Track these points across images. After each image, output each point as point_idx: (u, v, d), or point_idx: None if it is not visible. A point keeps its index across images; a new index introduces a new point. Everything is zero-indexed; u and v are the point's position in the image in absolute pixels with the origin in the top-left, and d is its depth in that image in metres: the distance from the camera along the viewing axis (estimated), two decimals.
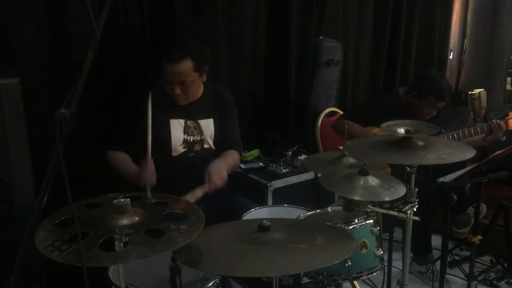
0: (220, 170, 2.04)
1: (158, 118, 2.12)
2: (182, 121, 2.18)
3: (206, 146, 2.23)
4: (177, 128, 2.16)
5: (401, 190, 1.60)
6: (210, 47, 2.13)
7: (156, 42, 2.16)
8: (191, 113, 2.20)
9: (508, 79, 4.76)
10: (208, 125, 2.23)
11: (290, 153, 2.87)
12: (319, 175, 2.29)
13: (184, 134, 2.18)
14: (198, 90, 2.19)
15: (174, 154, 2.16)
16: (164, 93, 2.13)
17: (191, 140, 2.19)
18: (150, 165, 1.91)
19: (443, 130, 2.87)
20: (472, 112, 4.14)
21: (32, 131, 1.71)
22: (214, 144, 2.25)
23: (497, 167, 2.42)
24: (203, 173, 2.17)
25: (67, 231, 1.22)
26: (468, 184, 2.92)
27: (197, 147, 2.21)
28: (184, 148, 2.18)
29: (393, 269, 2.16)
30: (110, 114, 2.32)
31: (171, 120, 2.15)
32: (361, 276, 1.77)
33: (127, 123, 2.16)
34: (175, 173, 2.12)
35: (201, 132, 2.21)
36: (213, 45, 2.18)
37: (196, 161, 2.19)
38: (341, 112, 3.25)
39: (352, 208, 1.66)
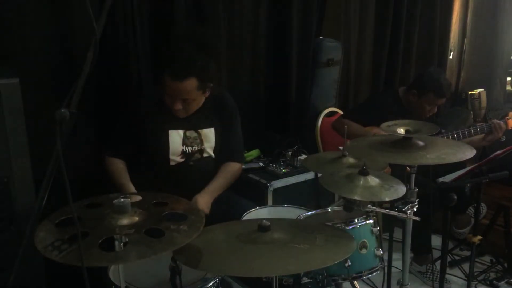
0: (205, 205, 2.04)
1: (156, 128, 2.10)
2: (181, 132, 2.14)
3: (205, 155, 2.21)
4: (175, 140, 2.13)
5: (401, 190, 1.60)
6: (215, 61, 2.06)
7: (162, 55, 2.08)
8: (192, 123, 2.16)
9: (508, 79, 4.75)
10: (209, 135, 2.19)
11: (290, 153, 2.87)
12: (319, 175, 2.29)
13: (182, 146, 2.14)
14: (199, 104, 2.15)
15: (172, 163, 2.14)
16: (163, 103, 2.09)
17: (190, 151, 2.16)
18: None
19: (443, 130, 2.87)
20: (472, 112, 4.14)
21: (32, 131, 1.71)
22: (214, 152, 2.23)
23: (497, 167, 2.42)
24: (201, 181, 2.16)
25: (67, 231, 1.22)
26: (468, 184, 2.92)
27: (196, 157, 2.19)
28: (182, 158, 2.15)
29: (393, 269, 2.16)
30: (110, 118, 2.32)
31: (170, 131, 2.12)
32: (361, 276, 1.76)
33: (127, 131, 2.14)
34: (173, 181, 2.10)
35: (201, 142, 2.18)
36: (217, 56, 2.12)
37: (195, 169, 2.17)
38: (341, 112, 3.25)
39: (352, 208, 1.66)
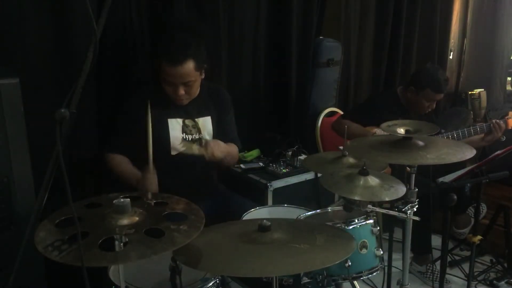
0: (218, 144, 2.10)
1: (156, 118, 2.13)
2: (180, 120, 2.18)
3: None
4: (175, 127, 2.17)
5: (401, 190, 1.60)
6: (207, 43, 2.16)
7: (157, 45, 2.16)
8: (189, 111, 2.20)
9: (508, 79, 4.76)
10: (206, 123, 2.24)
11: (290, 153, 2.87)
12: (319, 175, 2.30)
13: (182, 133, 2.18)
14: (198, 88, 2.21)
15: (173, 153, 2.17)
16: (161, 93, 2.13)
17: (190, 139, 2.19)
18: (152, 173, 1.96)
19: (443, 130, 2.87)
20: (472, 112, 4.14)
21: (32, 131, 1.71)
22: None
23: (497, 167, 2.42)
24: (202, 172, 2.17)
25: (67, 231, 1.22)
26: (468, 184, 2.92)
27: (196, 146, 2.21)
28: (183, 147, 2.18)
29: (393, 269, 2.16)
30: (110, 116, 2.32)
31: (169, 120, 2.16)
32: (361, 276, 1.76)
33: (126, 126, 2.16)
34: (174, 172, 2.12)
35: (199, 131, 2.22)
36: (209, 40, 2.23)
37: (195, 160, 2.19)
38: (341, 112, 3.25)
39: (352, 208, 1.66)
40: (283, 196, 2.59)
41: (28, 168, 1.63)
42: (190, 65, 2.04)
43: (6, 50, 1.99)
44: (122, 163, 2.13)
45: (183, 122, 2.19)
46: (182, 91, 2.09)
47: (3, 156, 1.57)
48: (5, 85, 1.54)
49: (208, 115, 2.25)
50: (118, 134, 2.18)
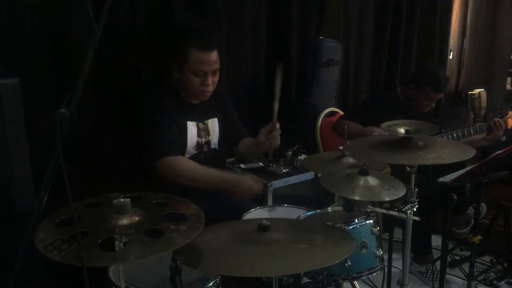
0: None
1: (177, 120, 2.09)
2: (195, 123, 2.16)
3: (212, 146, 2.23)
4: (192, 131, 2.15)
5: (401, 190, 1.60)
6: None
7: (186, 33, 2.08)
8: (200, 114, 2.18)
9: (508, 79, 4.76)
10: (214, 125, 2.23)
11: (290, 153, 2.87)
12: (319, 175, 2.30)
13: (197, 137, 2.16)
14: None
15: (187, 156, 2.14)
16: (178, 95, 2.11)
17: (202, 142, 2.18)
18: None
19: (443, 130, 2.87)
20: (472, 112, 4.14)
21: (32, 131, 1.71)
22: (218, 143, 2.25)
23: (497, 167, 2.42)
24: None
25: (67, 231, 1.22)
26: (468, 184, 2.92)
27: (205, 149, 2.20)
28: (195, 150, 2.17)
29: (393, 269, 2.16)
30: (110, 116, 2.31)
31: (188, 122, 2.13)
32: (361, 276, 1.76)
33: (167, 125, 2.05)
34: None
35: (208, 133, 2.20)
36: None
37: (206, 163, 2.17)
38: (341, 112, 3.26)
39: (352, 208, 1.66)
40: (283, 196, 2.59)
41: (28, 168, 1.63)
42: (216, 52, 2.03)
43: (6, 50, 1.99)
44: (192, 163, 2.01)
45: (197, 125, 2.17)
46: (210, 81, 2.04)
47: (3, 156, 1.57)
48: (5, 85, 1.54)
49: (215, 117, 2.23)
50: (164, 135, 2.01)
